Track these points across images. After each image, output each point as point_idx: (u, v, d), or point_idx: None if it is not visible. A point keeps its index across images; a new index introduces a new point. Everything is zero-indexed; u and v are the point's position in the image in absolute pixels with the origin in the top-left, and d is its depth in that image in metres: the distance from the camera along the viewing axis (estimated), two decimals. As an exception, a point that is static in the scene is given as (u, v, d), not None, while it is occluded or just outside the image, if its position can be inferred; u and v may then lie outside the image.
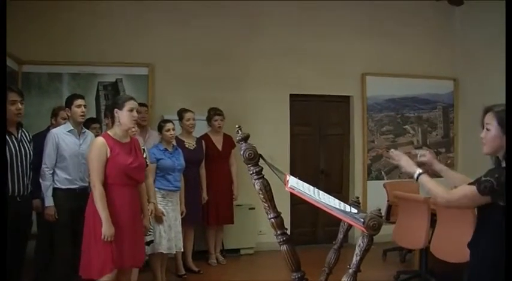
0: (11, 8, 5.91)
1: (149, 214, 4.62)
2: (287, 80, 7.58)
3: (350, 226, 2.67)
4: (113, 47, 6.92)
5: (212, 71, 7.26)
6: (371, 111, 8.14)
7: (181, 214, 5.64)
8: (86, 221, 3.95)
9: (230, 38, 7.42)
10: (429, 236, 5.22)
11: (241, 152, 2.45)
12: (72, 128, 4.78)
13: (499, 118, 2.57)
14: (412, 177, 2.80)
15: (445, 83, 8.52)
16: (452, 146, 8.44)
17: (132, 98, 4.13)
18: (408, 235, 5.51)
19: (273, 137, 7.25)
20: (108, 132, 4.10)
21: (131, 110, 4.03)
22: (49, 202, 4.68)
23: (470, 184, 2.56)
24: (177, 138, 5.86)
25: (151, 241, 5.13)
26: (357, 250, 2.27)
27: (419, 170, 2.77)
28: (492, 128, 2.60)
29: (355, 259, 2.28)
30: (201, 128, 6.56)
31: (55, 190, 4.70)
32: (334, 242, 2.88)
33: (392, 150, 3.06)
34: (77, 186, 4.74)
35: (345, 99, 8.15)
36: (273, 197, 2.45)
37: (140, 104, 5.68)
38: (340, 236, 2.87)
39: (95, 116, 6.49)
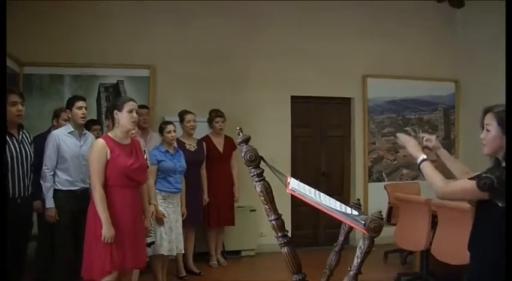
0: (12, 8, 5.93)
1: (150, 215, 4.62)
2: (288, 82, 7.57)
3: (351, 228, 2.67)
4: (114, 48, 6.92)
5: (213, 72, 7.26)
6: (372, 113, 8.14)
7: (182, 216, 5.64)
8: (88, 223, 3.95)
9: (231, 39, 7.42)
10: (430, 238, 5.22)
11: (242, 154, 2.45)
12: (73, 129, 4.78)
13: (498, 119, 2.57)
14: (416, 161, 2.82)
15: (446, 85, 8.52)
16: (453, 147, 8.44)
17: (131, 100, 4.13)
18: (409, 237, 5.50)
19: (274, 139, 7.24)
20: (109, 134, 4.10)
21: (131, 111, 4.02)
22: (50, 203, 4.68)
23: (470, 179, 2.56)
24: (178, 140, 5.86)
25: (152, 243, 5.13)
26: (358, 252, 2.27)
27: (423, 156, 2.78)
28: (492, 129, 2.60)
29: (356, 261, 2.28)
30: (202, 129, 6.56)
31: (56, 191, 4.70)
32: (335, 244, 2.88)
33: (401, 134, 3.04)
34: (77, 187, 4.74)
35: (346, 101, 8.15)
36: (274, 199, 2.45)
37: (141, 106, 5.71)
38: (341, 238, 2.87)
39: (96, 118, 6.48)
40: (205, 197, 6.37)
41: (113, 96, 6.83)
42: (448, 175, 2.84)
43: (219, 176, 6.54)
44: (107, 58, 6.88)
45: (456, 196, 2.76)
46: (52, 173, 4.69)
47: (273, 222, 2.44)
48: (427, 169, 2.73)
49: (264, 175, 2.46)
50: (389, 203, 6.70)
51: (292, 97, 7.71)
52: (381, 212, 2.26)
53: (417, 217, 5.38)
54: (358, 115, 8.09)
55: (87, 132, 5.01)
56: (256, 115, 7.32)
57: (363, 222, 2.21)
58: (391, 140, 8.21)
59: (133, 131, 4.22)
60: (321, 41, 7.76)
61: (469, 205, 4.37)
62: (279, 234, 2.44)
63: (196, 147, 6.26)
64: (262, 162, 2.48)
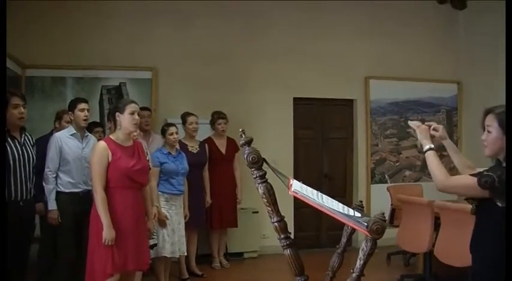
0: (13, 10, 5.96)
1: (153, 217, 4.62)
2: (290, 84, 7.58)
3: (354, 230, 2.66)
4: (116, 50, 6.93)
5: (215, 74, 7.27)
6: (374, 115, 8.14)
7: (185, 218, 5.64)
8: (90, 225, 3.97)
9: (233, 41, 7.43)
10: (433, 240, 5.20)
11: (245, 156, 2.45)
12: (75, 131, 4.78)
13: (499, 120, 2.57)
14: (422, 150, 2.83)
15: (449, 86, 8.51)
16: (455, 149, 8.42)
17: (133, 102, 4.14)
18: (412, 239, 5.49)
19: (277, 141, 7.24)
20: (110, 136, 4.11)
21: (132, 113, 4.03)
22: (52, 205, 4.68)
23: (472, 175, 2.56)
24: (180, 142, 5.86)
25: (155, 245, 5.13)
26: (361, 254, 2.27)
27: (430, 145, 2.78)
28: (493, 130, 2.59)
29: (358, 263, 2.28)
30: (204, 131, 6.56)
31: (58, 193, 4.70)
32: (337, 246, 2.87)
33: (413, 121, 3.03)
34: (80, 189, 4.74)
35: (348, 103, 8.14)
36: (276, 201, 2.44)
37: (143, 108, 5.72)
38: (344, 240, 2.86)
39: (98, 120, 6.49)
40: (208, 199, 6.37)
41: (116, 99, 6.84)
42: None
43: (221, 178, 6.54)
44: (109, 60, 6.90)
45: (456, 191, 2.78)
46: (54, 176, 4.69)
47: (276, 224, 2.44)
48: (432, 158, 2.72)
49: (266, 176, 2.45)
50: (392, 205, 6.69)
51: (295, 99, 7.71)
52: (383, 214, 2.26)
53: (420, 219, 5.37)
54: (361, 117, 8.09)
55: (89, 134, 5.01)
56: (258, 117, 7.33)
57: (366, 224, 2.21)
58: (393, 141, 8.22)
59: (135, 133, 4.23)
60: (323, 42, 7.77)
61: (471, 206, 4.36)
62: (282, 236, 2.44)
63: (198, 149, 6.25)
64: (264, 164, 2.48)
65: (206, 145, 6.43)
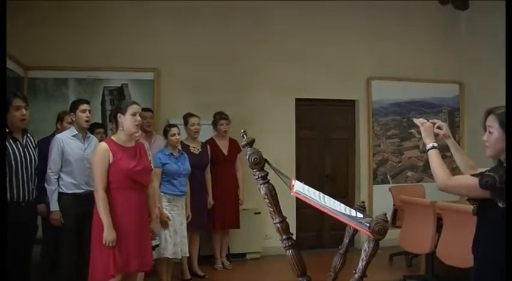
0: (15, 11, 5.97)
1: (156, 218, 4.62)
2: (292, 84, 7.57)
3: (356, 231, 2.66)
4: (119, 51, 6.94)
5: (218, 75, 7.28)
6: (377, 116, 8.13)
7: (187, 219, 5.64)
8: (93, 226, 3.97)
9: (235, 42, 7.43)
10: (435, 241, 5.20)
11: (247, 157, 2.45)
12: (77, 132, 4.79)
13: (500, 120, 2.57)
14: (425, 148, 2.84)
15: (451, 87, 8.50)
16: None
17: (135, 103, 4.14)
18: (414, 240, 5.49)
19: (279, 142, 7.24)
20: (112, 137, 4.12)
21: (134, 115, 4.03)
22: (54, 206, 4.68)
23: (473, 175, 2.56)
24: (182, 143, 5.86)
25: (157, 246, 5.13)
26: (363, 255, 2.27)
27: (433, 144, 2.79)
28: (494, 131, 2.59)
29: (361, 263, 2.28)
30: (206, 132, 6.57)
31: (61, 194, 4.70)
32: (340, 247, 2.87)
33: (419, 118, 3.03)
34: (82, 190, 4.74)
35: (351, 104, 8.14)
36: (278, 201, 2.45)
37: (145, 109, 5.72)
38: (346, 240, 2.86)
39: (100, 121, 6.51)
40: (210, 200, 6.37)
41: (118, 100, 6.83)
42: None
43: (223, 178, 6.54)
44: (111, 61, 6.91)
45: (457, 191, 2.78)
46: (57, 177, 4.69)
47: (278, 225, 2.44)
48: (434, 157, 2.73)
49: (268, 177, 2.46)
50: (394, 205, 6.69)
51: (297, 99, 7.71)
52: (385, 214, 2.25)
53: (422, 220, 5.36)
54: (363, 117, 8.08)
55: (91, 135, 5.02)
56: (260, 118, 7.32)
57: (368, 224, 2.21)
58: (395, 142, 8.21)
59: (136, 135, 4.23)
60: (325, 43, 7.77)
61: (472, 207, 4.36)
62: (284, 237, 2.44)
63: (200, 150, 6.26)
64: (266, 164, 2.48)
65: (208, 145, 6.43)
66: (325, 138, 8.05)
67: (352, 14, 7.94)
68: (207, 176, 6.38)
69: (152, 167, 4.39)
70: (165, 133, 5.61)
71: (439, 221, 5.24)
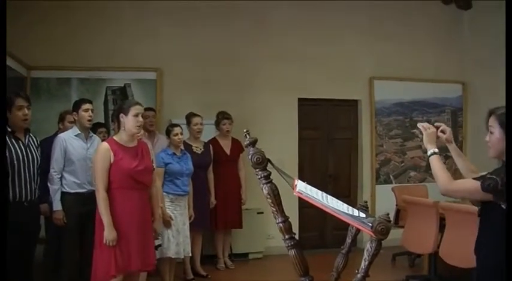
0: (18, 11, 5.98)
1: (159, 217, 4.62)
2: (295, 84, 7.57)
3: (358, 230, 2.66)
4: (121, 51, 6.95)
5: (220, 75, 7.28)
6: (379, 115, 8.12)
7: (190, 219, 5.64)
8: (96, 226, 3.97)
9: (238, 42, 7.43)
10: (438, 241, 5.19)
11: (249, 157, 2.45)
12: (80, 132, 4.80)
13: (500, 121, 2.56)
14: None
15: (454, 87, 8.49)
16: (460, 150, 8.40)
17: (137, 103, 4.14)
18: (417, 240, 5.48)
19: (281, 141, 7.24)
20: (114, 137, 4.12)
21: (136, 116, 4.03)
22: (57, 206, 4.70)
23: (475, 179, 2.56)
24: (184, 142, 5.86)
25: (159, 245, 5.13)
26: (366, 255, 2.27)
27: (434, 150, 2.79)
28: (495, 131, 2.59)
29: (363, 263, 2.28)
30: (209, 132, 6.57)
31: (63, 194, 4.72)
32: (342, 247, 2.86)
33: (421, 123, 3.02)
34: (85, 190, 4.74)
35: (353, 103, 8.14)
36: (281, 201, 2.44)
37: (148, 109, 5.72)
38: (349, 240, 2.85)
39: (103, 121, 6.52)
40: (213, 199, 6.37)
41: (120, 100, 6.84)
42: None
43: (226, 178, 6.54)
44: (114, 61, 6.92)
45: (460, 195, 2.79)
46: (59, 176, 4.70)
47: (280, 224, 2.44)
48: (436, 162, 2.74)
49: (271, 177, 2.45)
50: (396, 205, 6.69)
51: (299, 99, 7.70)
52: (388, 214, 2.25)
53: (425, 220, 5.36)
54: (366, 117, 8.08)
55: (94, 135, 5.03)
56: (263, 117, 7.32)
57: (370, 224, 2.21)
58: (398, 142, 8.20)
59: (138, 135, 4.23)
60: (327, 42, 7.76)
61: (476, 208, 4.35)
62: (286, 236, 2.44)
63: (203, 150, 6.26)
64: (269, 164, 2.48)
65: (210, 145, 6.43)
66: (328, 138, 8.05)
67: (354, 14, 7.92)
68: (210, 176, 6.38)
69: (155, 167, 4.38)
70: (168, 133, 5.61)
71: (441, 221, 5.23)
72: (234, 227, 6.74)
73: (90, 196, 4.59)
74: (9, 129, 4.13)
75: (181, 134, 5.59)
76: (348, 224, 2.58)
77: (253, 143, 2.47)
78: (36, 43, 6.54)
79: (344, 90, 7.89)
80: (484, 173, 2.56)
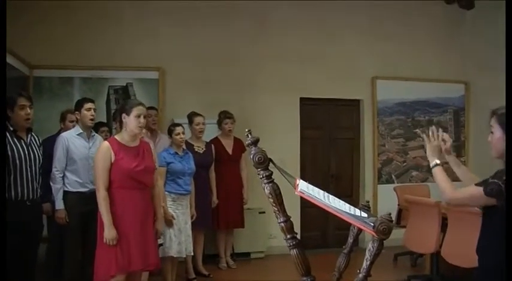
0: (20, 11, 5.99)
1: (161, 217, 4.61)
2: (297, 84, 7.57)
3: (360, 230, 2.66)
4: (123, 50, 6.95)
5: (222, 74, 7.28)
6: (381, 115, 8.12)
7: (192, 218, 5.65)
8: (98, 225, 3.97)
9: (240, 41, 7.43)
10: (440, 241, 5.19)
11: (251, 156, 2.44)
12: (82, 131, 4.80)
13: (500, 121, 2.56)
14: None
15: (456, 87, 8.48)
16: (463, 150, 8.41)
17: (140, 104, 4.12)
18: (419, 239, 5.48)
19: (283, 141, 7.23)
20: (116, 136, 4.12)
21: (138, 116, 4.02)
22: (59, 205, 4.70)
23: (477, 184, 2.55)
24: (186, 142, 5.86)
25: (161, 245, 5.14)
26: (367, 255, 2.26)
27: (437, 161, 2.81)
28: (496, 131, 2.59)
29: (365, 263, 2.27)
30: (211, 131, 6.57)
31: (66, 193, 4.72)
32: (344, 247, 2.86)
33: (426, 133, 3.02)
34: (87, 189, 4.74)
35: (355, 103, 8.13)
36: (283, 201, 2.44)
37: (150, 108, 5.72)
38: (350, 240, 2.85)
39: (105, 120, 6.52)
40: (214, 199, 6.38)
41: (123, 99, 6.85)
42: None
43: (228, 177, 6.55)
44: (116, 60, 6.92)
45: (464, 202, 2.80)
46: (61, 175, 4.71)
47: (282, 224, 2.43)
48: (439, 173, 2.77)
49: (273, 177, 2.45)
50: (398, 205, 6.68)
51: (301, 99, 7.70)
52: (390, 214, 2.25)
53: (427, 219, 5.35)
54: (368, 117, 8.08)
55: (96, 134, 5.04)
56: (265, 117, 7.32)
57: (372, 224, 2.21)
58: (400, 142, 8.20)
59: (140, 134, 4.23)
60: (329, 42, 7.77)
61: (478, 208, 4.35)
62: (288, 236, 2.43)
63: (204, 149, 6.25)
64: (271, 164, 2.47)
65: (212, 145, 6.43)
66: (330, 138, 8.05)
67: (357, 14, 7.92)
68: (212, 175, 6.38)
69: (157, 167, 4.38)
70: (170, 132, 5.61)
71: (444, 220, 5.22)
72: (236, 227, 6.74)
73: (92, 195, 4.57)
74: (11, 129, 4.13)
75: (183, 133, 5.59)
76: (350, 224, 2.58)
77: (255, 142, 2.47)
78: (36, 43, 6.54)
79: (346, 90, 7.89)
80: (486, 178, 2.56)
